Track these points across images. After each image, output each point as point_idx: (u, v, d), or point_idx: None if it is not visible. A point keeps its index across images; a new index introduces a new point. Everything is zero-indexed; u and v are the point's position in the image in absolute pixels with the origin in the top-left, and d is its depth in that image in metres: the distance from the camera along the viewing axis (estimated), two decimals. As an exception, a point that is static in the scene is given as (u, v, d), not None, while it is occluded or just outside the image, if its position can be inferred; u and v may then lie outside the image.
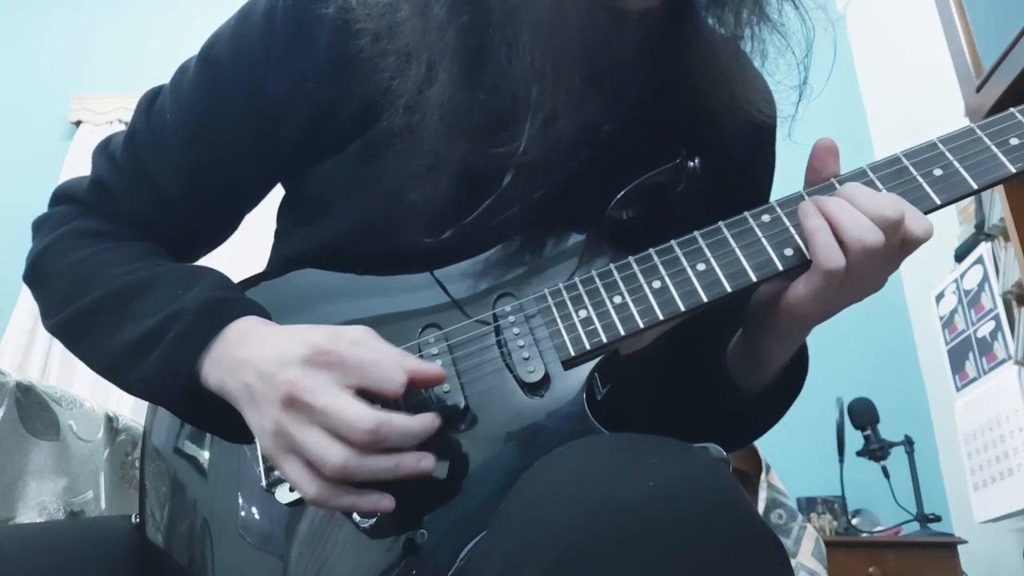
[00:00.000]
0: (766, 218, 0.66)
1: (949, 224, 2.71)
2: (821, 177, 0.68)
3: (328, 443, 0.58)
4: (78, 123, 3.84)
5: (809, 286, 0.64)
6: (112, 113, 3.81)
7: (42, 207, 0.85)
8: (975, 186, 0.62)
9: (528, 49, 0.67)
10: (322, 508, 0.62)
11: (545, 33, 0.67)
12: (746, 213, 0.67)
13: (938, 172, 0.64)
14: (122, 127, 3.77)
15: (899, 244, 0.63)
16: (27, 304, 3.42)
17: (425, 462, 0.60)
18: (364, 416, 0.57)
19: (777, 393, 0.78)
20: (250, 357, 0.63)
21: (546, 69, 0.68)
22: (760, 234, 0.65)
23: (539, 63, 0.68)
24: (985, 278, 2.52)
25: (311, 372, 0.60)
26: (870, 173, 0.65)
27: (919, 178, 0.64)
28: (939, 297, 2.86)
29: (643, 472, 0.48)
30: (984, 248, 2.53)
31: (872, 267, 0.63)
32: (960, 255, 2.69)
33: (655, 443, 0.54)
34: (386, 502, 0.59)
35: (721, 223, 0.67)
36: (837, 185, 0.66)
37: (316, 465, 0.58)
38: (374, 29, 0.73)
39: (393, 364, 0.61)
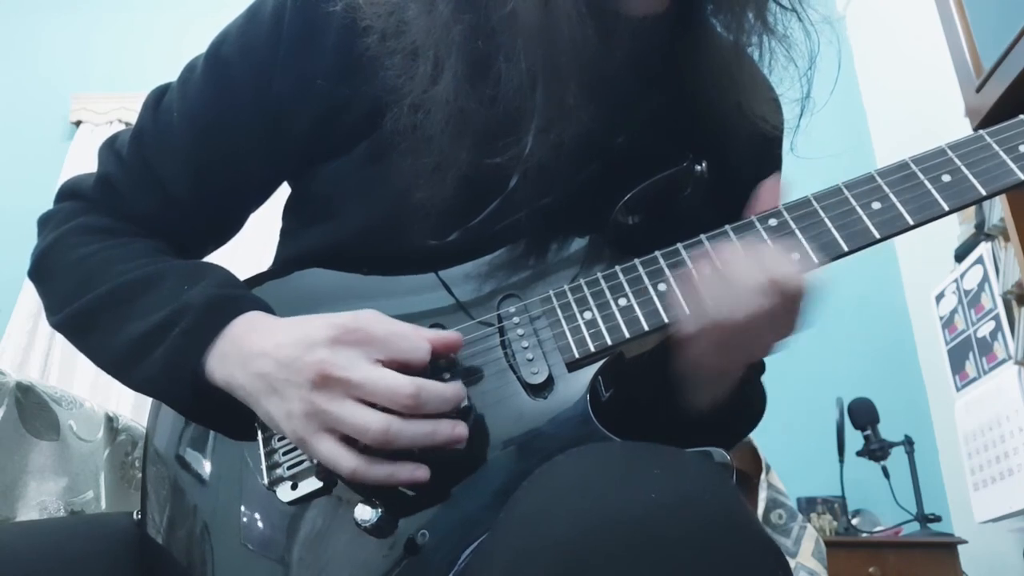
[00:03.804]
0: (772, 222, 0.66)
1: (949, 224, 2.71)
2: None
3: (367, 411, 0.59)
4: (78, 123, 3.83)
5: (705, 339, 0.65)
6: (112, 113, 3.80)
7: (42, 207, 0.85)
8: (983, 193, 0.62)
9: (524, 56, 0.68)
10: (359, 482, 0.62)
11: (537, 40, 0.67)
12: (753, 217, 0.67)
13: (947, 178, 0.64)
14: (122, 127, 3.76)
15: (780, 304, 0.61)
16: (27, 304, 3.41)
17: (460, 428, 0.61)
18: (404, 382, 0.59)
19: (722, 421, 0.76)
20: (263, 349, 0.64)
21: (539, 75, 0.68)
22: (766, 237, 0.65)
23: (534, 70, 0.68)
24: (985, 278, 2.52)
25: (341, 350, 0.61)
26: (878, 179, 0.65)
27: (927, 184, 0.64)
28: (939, 297, 2.86)
29: (644, 483, 0.48)
30: (984, 248, 2.53)
31: (754, 329, 0.62)
32: (960, 255, 2.69)
33: (656, 452, 0.54)
34: (421, 472, 0.60)
35: (728, 227, 0.67)
36: (785, 213, 0.66)
37: (357, 434, 0.59)
38: (381, 28, 0.73)
39: (416, 334, 0.63)
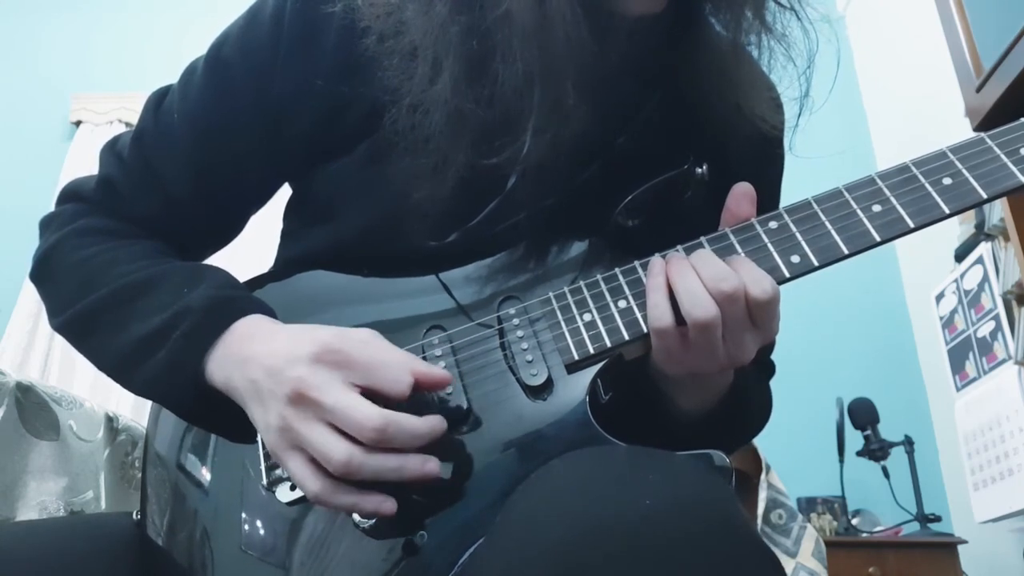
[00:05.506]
0: (773, 225, 0.66)
1: (949, 224, 2.71)
2: (737, 219, 0.67)
3: (333, 439, 0.58)
4: (78, 123, 3.83)
5: (652, 344, 0.64)
6: (112, 113, 3.80)
7: (42, 207, 0.85)
8: (984, 196, 0.62)
9: (519, 56, 0.68)
10: (323, 506, 0.62)
11: (532, 40, 0.67)
12: (753, 220, 0.67)
13: (947, 181, 0.63)
14: (122, 127, 3.76)
15: (746, 313, 0.61)
16: (27, 304, 3.41)
17: (430, 465, 0.60)
18: (372, 414, 0.58)
19: (720, 425, 0.75)
20: (257, 354, 0.64)
21: (535, 76, 0.68)
22: (766, 240, 0.65)
23: (530, 70, 0.68)
24: (985, 278, 2.52)
25: (319, 370, 0.60)
26: (879, 181, 0.65)
27: (928, 186, 0.63)
28: (939, 297, 2.86)
29: (640, 489, 0.48)
30: (984, 248, 2.53)
31: (717, 337, 0.61)
32: (960, 255, 2.70)
33: (653, 457, 0.54)
34: (388, 505, 0.59)
35: (728, 229, 0.67)
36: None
37: (321, 460, 0.59)
38: (380, 29, 0.73)
39: (400, 366, 0.61)
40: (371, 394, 0.60)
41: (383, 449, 0.59)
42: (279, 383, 0.61)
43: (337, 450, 0.58)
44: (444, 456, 0.62)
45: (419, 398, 0.64)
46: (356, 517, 0.62)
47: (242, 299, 0.71)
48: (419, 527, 0.62)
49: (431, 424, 0.60)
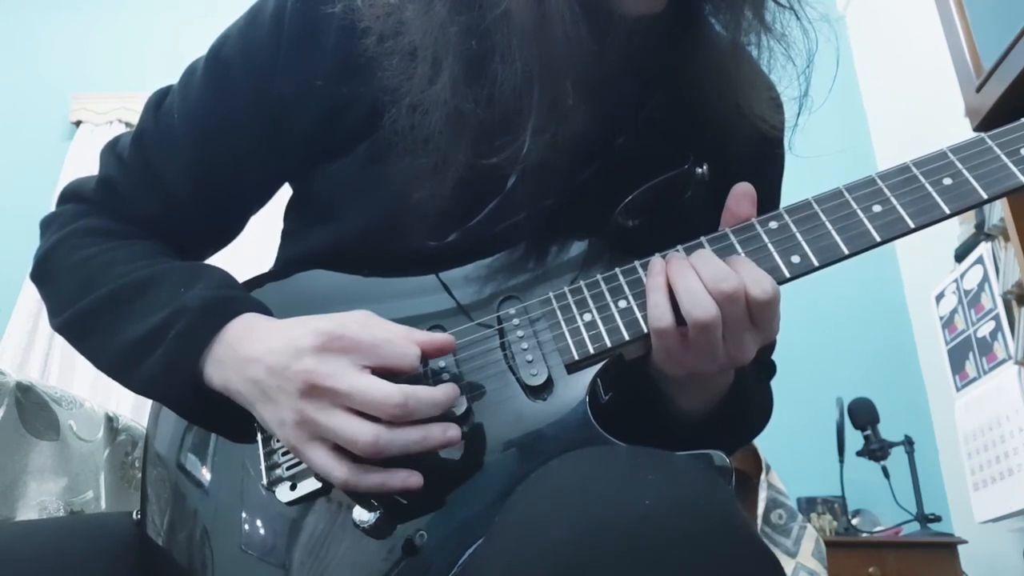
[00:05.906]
0: (773, 225, 0.66)
1: (949, 224, 2.71)
2: (737, 220, 0.67)
3: (356, 421, 0.59)
4: (78, 123, 3.83)
5: (652, 344, 0.64)
6: (112, 113, 3.80)
7: (42, 207, 0.85)
8: (985, 196, 0.62)
9: (518, 56, 0.68)
10: (352, 492, 0.62)
11: (531, 40, 0.67)
12: (753, 220, 0.67)
13: (948, 181, 0.63)
14: (122, 127, 3.76)
15: (746, 314, 0.61)
16: (27, 304, 3.41)
17: (451, 431, 0.61)
18: (391, 391, 0.59)
19: (721, 425, 0.75)
20: (256, 354, 0.64)
21: (534, 75, 0.68)
22: (767, 240, 0.65)
23: (529, 70, 0.68)
24: (985, 278, 2.52)
25: (327, 358, 0.61)
26: (879, 181, 0.65)
27: (928, 187, 0.63)
28: (939, 297, 2.86)
29: (639, 490, 0.48)
30: (984, 248, 2.53)
31: (717, 337, 0.61)
32: (960, 255, 2.70)
33: (652, 457, 0.54)
34: (415, 478, 0.60)
35: (728, 229, 0.67)
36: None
37: (347, 444, 0.59)
38: (380, 29, 0.73)
39: (405, 340, 0.62)
40: (381, 372, 0.61)
41: (406, 423, 0.60)
42: (287, 379, 0.61)
43: (362, 432, 0.59)
44: (444, 455, 0.62)
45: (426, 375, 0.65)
46: (356, 517, 0.62)
47: (237, 298, 0.71)
48: (418, 527, 0.62)
49: (447, 391, 0.62)
